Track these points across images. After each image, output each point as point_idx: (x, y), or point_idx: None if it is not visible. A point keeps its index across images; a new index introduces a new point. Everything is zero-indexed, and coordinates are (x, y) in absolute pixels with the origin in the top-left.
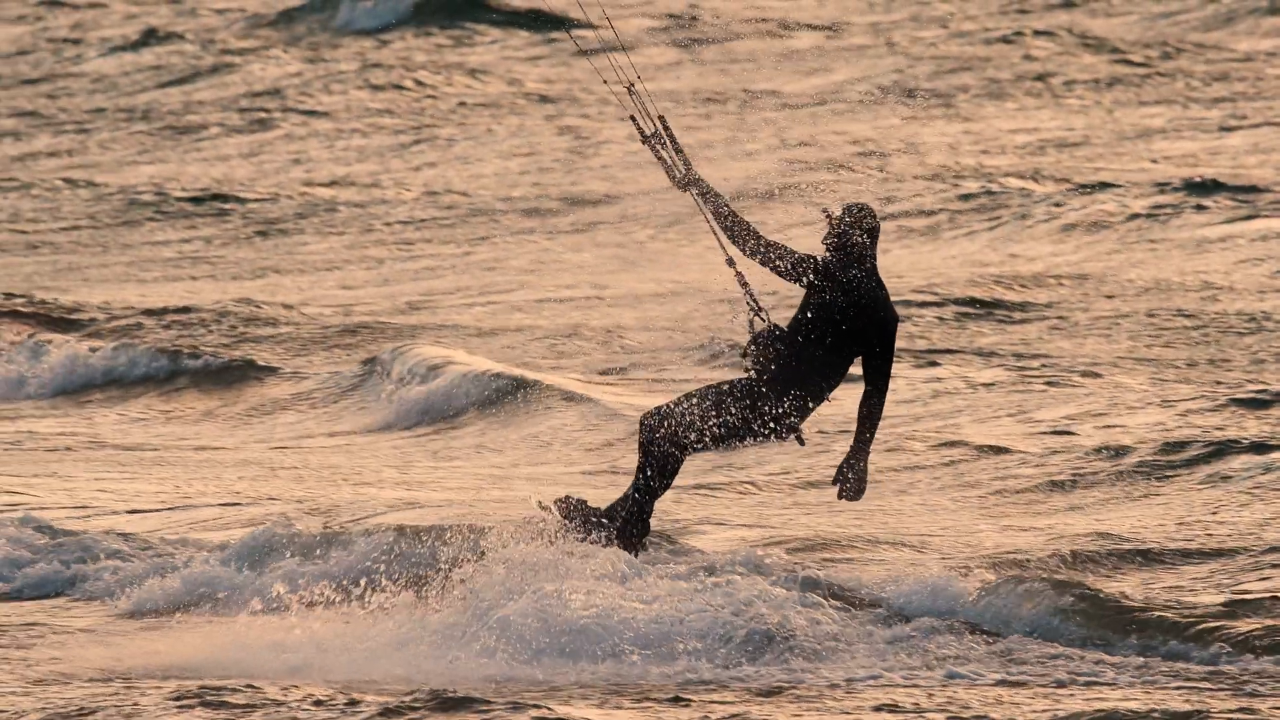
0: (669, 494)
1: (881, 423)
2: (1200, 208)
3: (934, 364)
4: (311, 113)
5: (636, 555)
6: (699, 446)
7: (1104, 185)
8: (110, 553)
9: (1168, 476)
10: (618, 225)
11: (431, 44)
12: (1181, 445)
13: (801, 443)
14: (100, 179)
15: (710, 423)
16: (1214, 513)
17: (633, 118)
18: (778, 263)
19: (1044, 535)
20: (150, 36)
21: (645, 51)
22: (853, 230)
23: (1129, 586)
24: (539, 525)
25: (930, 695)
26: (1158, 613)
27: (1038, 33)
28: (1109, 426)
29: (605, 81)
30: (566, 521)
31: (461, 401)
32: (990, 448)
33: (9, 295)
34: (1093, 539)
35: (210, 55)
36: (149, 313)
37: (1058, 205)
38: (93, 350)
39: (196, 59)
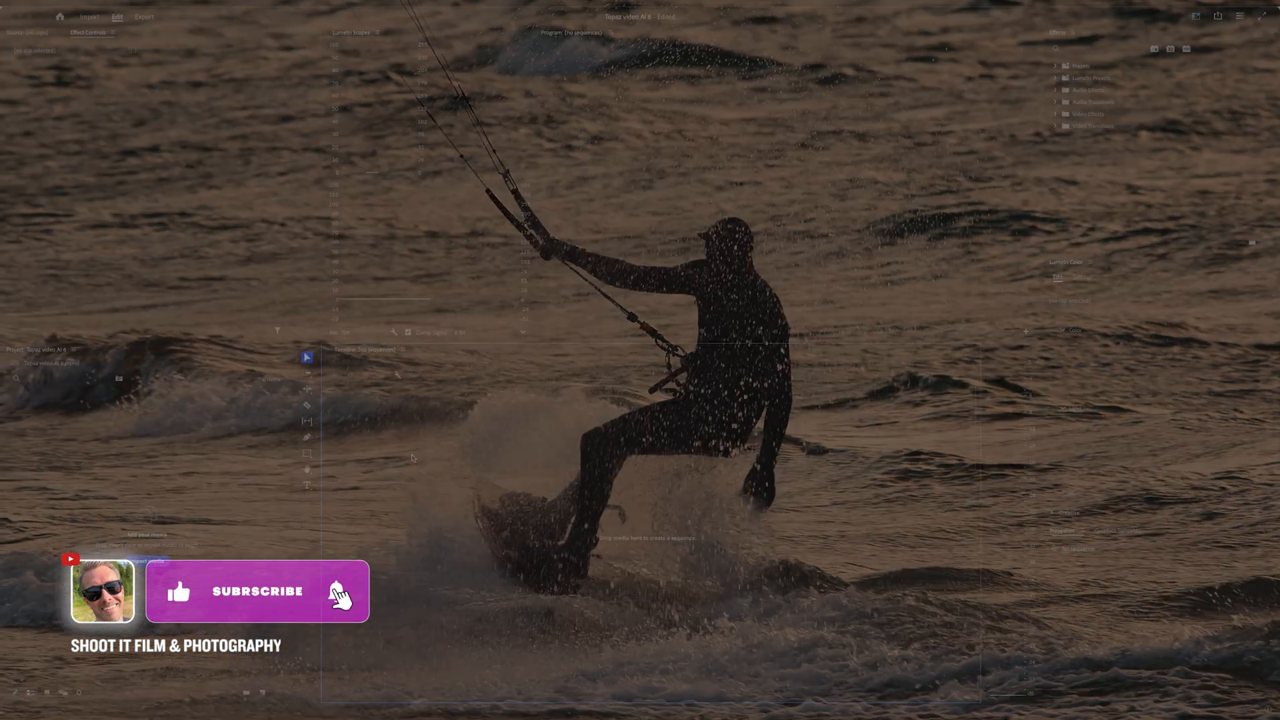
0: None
1: (1123, 461)
2: None
3: (1196, 403)
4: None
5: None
6: (634, 452)
7: None
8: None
9: None
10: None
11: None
12: None
13: (728, 454)
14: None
15: (650, 433)
16: None
17: (497, 202)
18: (658, 280)
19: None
20: (350, 75)
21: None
22: (724, 241)
23: None
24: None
25: None
26: None
27: None
28: None
29: (461, 159)
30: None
31: None
32: (1226, 477)
33: (180, 333)
34: None
35: (427, 89)
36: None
37: None
38: (301, 388)
39: (421, 95)
